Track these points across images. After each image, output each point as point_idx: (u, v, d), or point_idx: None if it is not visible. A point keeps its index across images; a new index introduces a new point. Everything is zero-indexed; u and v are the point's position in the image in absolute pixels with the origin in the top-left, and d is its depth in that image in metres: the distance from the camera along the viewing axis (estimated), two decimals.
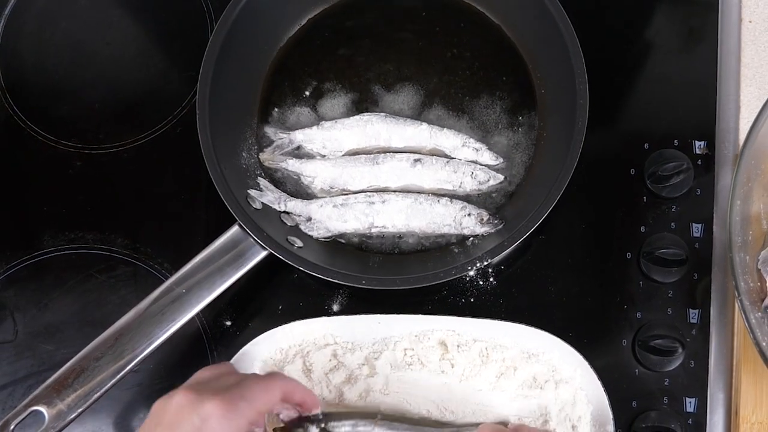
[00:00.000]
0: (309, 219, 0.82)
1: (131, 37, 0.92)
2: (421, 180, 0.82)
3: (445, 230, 0.81)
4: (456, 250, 0.81)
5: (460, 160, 0.83)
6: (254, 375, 0.71)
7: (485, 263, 0.76)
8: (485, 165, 0.83)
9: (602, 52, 0.87)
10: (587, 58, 0.79)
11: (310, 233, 0.82)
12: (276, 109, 0.86)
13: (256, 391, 0.67)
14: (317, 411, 0.72)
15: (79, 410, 0.73)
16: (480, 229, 0.80)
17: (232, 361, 0.77)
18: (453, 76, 0.86)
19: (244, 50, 0.84)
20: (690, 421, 0.78)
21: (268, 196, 0.82)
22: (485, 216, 0.80)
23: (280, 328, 0.77)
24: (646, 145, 0.84)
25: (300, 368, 0.77)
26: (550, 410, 0.76)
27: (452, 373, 0.77)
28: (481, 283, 0.83)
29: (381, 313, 0.78)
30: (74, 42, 0.92)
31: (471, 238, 0.81)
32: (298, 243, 0.80)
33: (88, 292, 0.86)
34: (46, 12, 0.93)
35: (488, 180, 0.82)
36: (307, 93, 0.87)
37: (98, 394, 0.73)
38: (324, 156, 0.84)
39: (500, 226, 0.80)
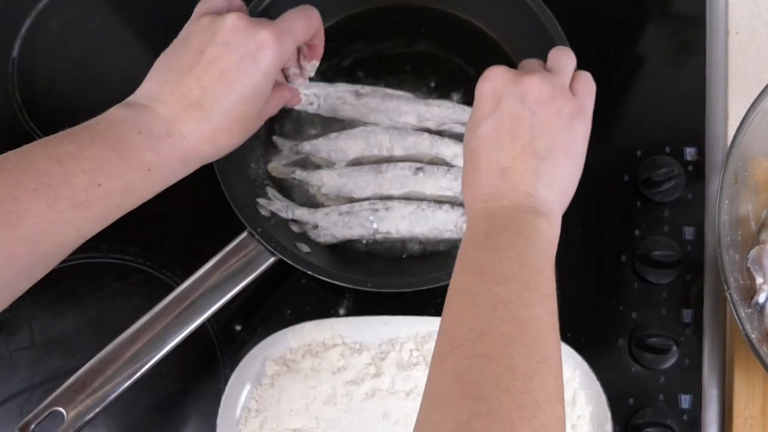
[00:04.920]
0: (316, 226, 0.85)
1: (143, 54, 0.95)
2: (423, 188, 0.84)
3: (447, 236, 0.84)
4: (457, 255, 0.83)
5: (461, 168, 0.85)
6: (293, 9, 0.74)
7: None
8: None
9: (596, 66, 0.88)
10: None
11: (317, 240, 0.84)
12: (283, 121, 0.89)
13: (300, 26, 0.72)
14: (316, 62, 0.78)
15: (96, 410, 0.75)
16: None
17: (244, 360, 0.79)
18: (451, 88, 0.89)
19: None
20: (685, 417, 0.81)
21: (276, 204, 0.85)
22: None
23: (290, 328, 0.80)
24: (638, 152, 0.87)
25: (309, 367, 0.80)
26: None
27: None
28: None
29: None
30: (87, 60, 0.95)
31: None
32: (306, 249, 0.83)
33: (102, 300, 0.88)
34: (60, 32, 0.96)
35: None
36: None
37: (114, 395, 0.75)
38: (330, 166, 0.87)
39: None
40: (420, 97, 0.88)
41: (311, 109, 0.88)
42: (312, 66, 0.78)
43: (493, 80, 0.67)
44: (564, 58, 0.71)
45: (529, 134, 0.65)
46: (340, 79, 0.89)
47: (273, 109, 0.77)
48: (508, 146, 0.64)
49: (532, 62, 0.72)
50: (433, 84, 0.90)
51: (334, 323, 0.81)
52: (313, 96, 0.87)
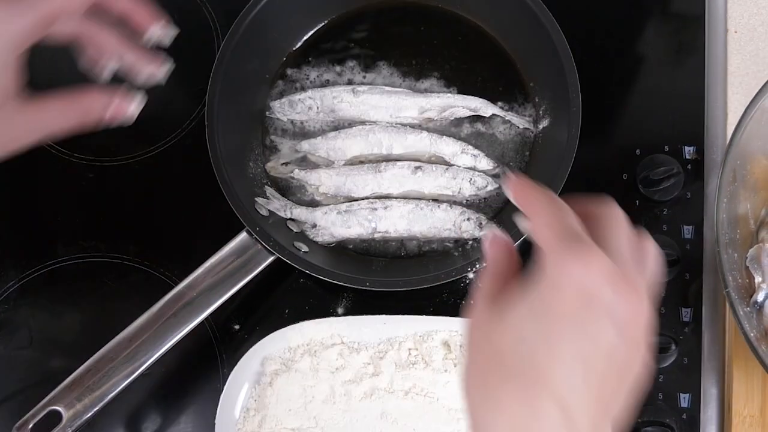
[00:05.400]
0: (314, 225, 0.85)
1: None
2: (421, 186, 0.84)
3: (446, 234, 0.84)
4: (456, 254, 0.83)
5: (459, 166, 0.85)
6: None
7: (484, 265, 0.78)
8: (483, 171, 0.85)
9: (596, 66, 0.90)
10: (582, 70, 0.82)
11: (315, 239, 0.84)
12: (282, 120, 0.89)
13: None
14: (159, 31, 0.62)
15: (94, 410, 0.75)
16: (479, 233, 0.83)
17: (242, 359, 0.79)
18: (450, 86, 0.89)
19: (250, 64, 0.87)
20: (684, 416, 0.81)
21: (274, 203, 0.85)
22: (484, 220, 0.83)
23: (289, 327, 0.80)
24: (637, 151, 0.87)
25: (307, 367, 0.80)
26: None
27: (455, 372, 0.80)
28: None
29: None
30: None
31: (470, 242, 0.84)
32: (304, 248, 0.83)
33: (100, 299, 0.88)
34: None
35: (486, 186, 0.85)
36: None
37: (113, 394, 0.75)
38: (328, 165, 0.87)
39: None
40: (419, 92, 0.89)
41: (312, 114, 0.88)
42: (160, 32, 0.67)
43: (589, 271, 0.44)
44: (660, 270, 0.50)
45: (616, 388, 0.45)
46: (339, 75, 0.90)
47: (57, 123, 0.64)
48: (587, 394, 0.44)
49: (634, 246, 0.50)
50: (432, 80, 0.89)
51: (333, 322, 0.81)
52: (309, 99, 0.87)
